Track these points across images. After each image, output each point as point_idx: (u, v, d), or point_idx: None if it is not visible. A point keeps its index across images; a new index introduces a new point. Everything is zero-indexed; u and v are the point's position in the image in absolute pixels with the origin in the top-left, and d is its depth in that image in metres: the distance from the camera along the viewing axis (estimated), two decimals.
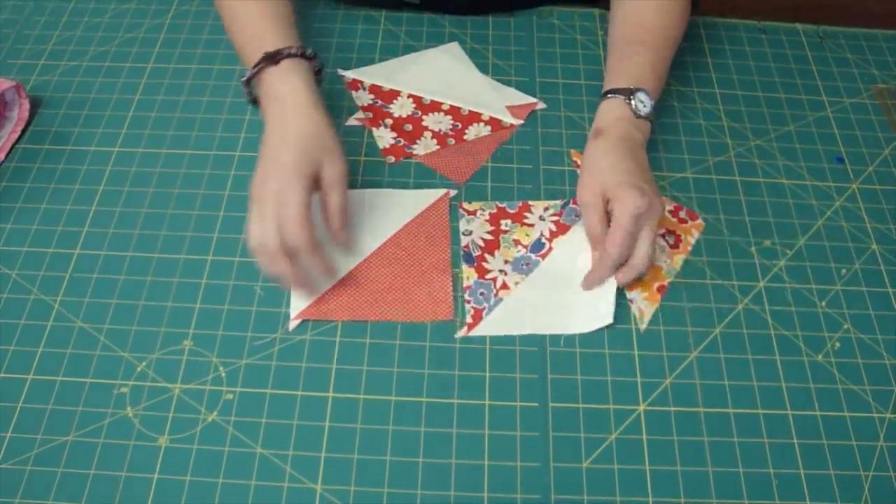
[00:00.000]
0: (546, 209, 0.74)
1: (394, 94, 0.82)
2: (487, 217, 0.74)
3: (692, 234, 0.74)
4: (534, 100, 0.83)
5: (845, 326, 0.70)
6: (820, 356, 0.68)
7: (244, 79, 0.72)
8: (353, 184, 0.76)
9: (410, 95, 0.82)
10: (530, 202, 0.75)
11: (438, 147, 0.78)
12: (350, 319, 0.68)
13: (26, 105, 0.79)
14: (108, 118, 0.81)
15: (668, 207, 0.76)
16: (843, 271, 0.73)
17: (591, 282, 0.69)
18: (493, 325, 0.68)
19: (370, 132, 0.80)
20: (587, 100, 0.84)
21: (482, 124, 0.80)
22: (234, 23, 0.76)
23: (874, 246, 0.75)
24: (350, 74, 0.84)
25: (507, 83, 0.85)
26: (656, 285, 0.71)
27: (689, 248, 0.73)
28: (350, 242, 0.70)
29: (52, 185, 0.75)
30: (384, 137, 0.79)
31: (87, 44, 0.87)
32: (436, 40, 0.88)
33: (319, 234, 0.67)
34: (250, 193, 0.66)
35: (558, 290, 0.69)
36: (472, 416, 0.63)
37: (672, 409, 0.64)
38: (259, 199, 0.65)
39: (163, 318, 0.67)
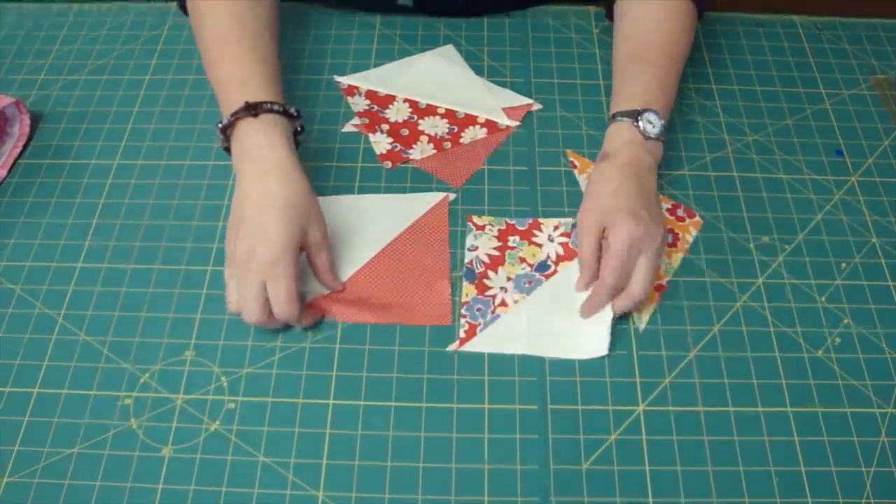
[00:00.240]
0: (555, 228, 0.74)
1: (389, 99, 0.83)
2: (496, 233, 0.73)
3: (690, 232, 0.74)
4: (529, 101, 0.83)
5: (845, 321, 0.70)
6: (820, 352, 0.68)
7: (220, 126, 0.69)
8: (350, 191, 0.76)
9: (406, 100, 0.83)
10: (540, 220, 0.75)
11: (435, 151, 0.79)
12: (348, 321, 0.68)
13: (27, 120, 0.80)
14: (107, 131, 0.82)
15: (666, 206, 0.76)
16: (843, 265, 0.73)
17: (588, 308, 0.68)
18: (487, 341, 0.68)
19: (367, 138, 0.80)
20: (582, 99, 0.84)
21: (478, 127, 0.81)
22: (215, 62, 0.73)
23: (874, 239, 0.75)
24: (346, 80, 0.84)
25: (503, 84, 0.85)
26: (654, 284, 0.71)
27: (687, 246, 0.73)
28: (341, 285, 0.70)
29: (53, 200, 0.76)
30: (381, 143, 0.79)
31: (86, 57, 0.88)
32: (431, 43, 0.89)
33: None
34: (229, 254, 0.66)
35: (557, 314, 0.69)
36: (472, 420, 0.64)
37: (671, 408, 0.65)
38: (243, 268, 0.64)
39: (164, 329, 0.68)
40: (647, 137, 0.70)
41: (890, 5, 0.95)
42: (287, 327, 0.68)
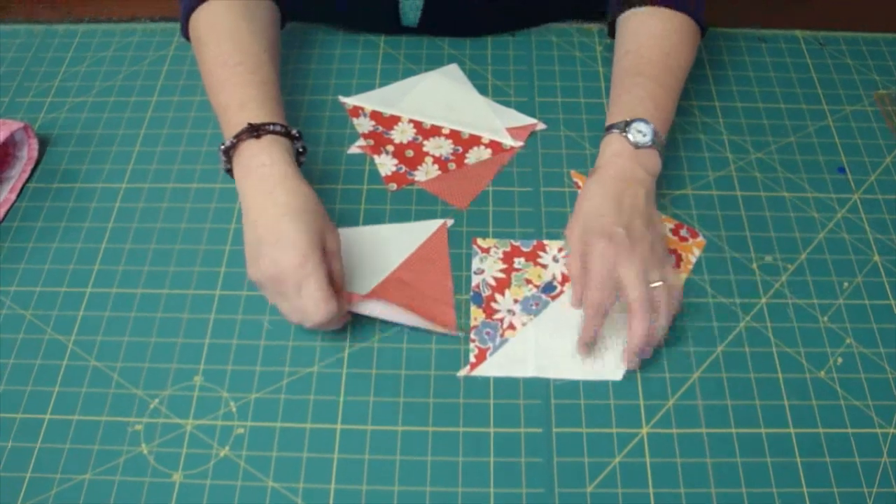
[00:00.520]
0: (560, 249, 0.74)
1: (394, 120, 0.83)
2: (501, 255, 0.74)
3: (693, 253, 0.75)
4: (533, 120, 0.83)
5: (847, 341, 0.70)
6: (822, 372, 0.68)
7: (223, 147, 0.70)
8: (355, 213, 0.77)
9: (411, 120, 0.83)
10: (545, 241, 0.75)
11: (440, 172, 0.79)
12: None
13: (35, 144, 0.80)
14: (114, 154, 0.82)
15: (670, 226, 0.76)
16: (845, 284, 0.74)
17: (584, 335, 0.68)
18: (497, 365, 0.68)
19: (372, 159, 0.81)
20: (586, 118, 0.84)
21: (483, 147, 0.81)
22: (216, 86, 0.74)
23: (876, 257, 0.75)
24: (351, 101, 0.85)
25: (507, 104, 0.85)
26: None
27: (691, 266, 0.74)
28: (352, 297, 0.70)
29: (62, 224, 0.77)
30: (386, 164, 0.80)
31: (93, 78, 0.89)
32: (435, 62, 0.89)
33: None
34: (257, 281, 0.65)
35: (566, 335, 0.69)
36: (478, 443, 0.64)
37: (675, 430, 0.65)
38: (276, 283, 0.64)
39: (173, 354, 0.69)
40: (636, 146, 0.70)
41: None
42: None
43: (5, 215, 0.77)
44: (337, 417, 0.66)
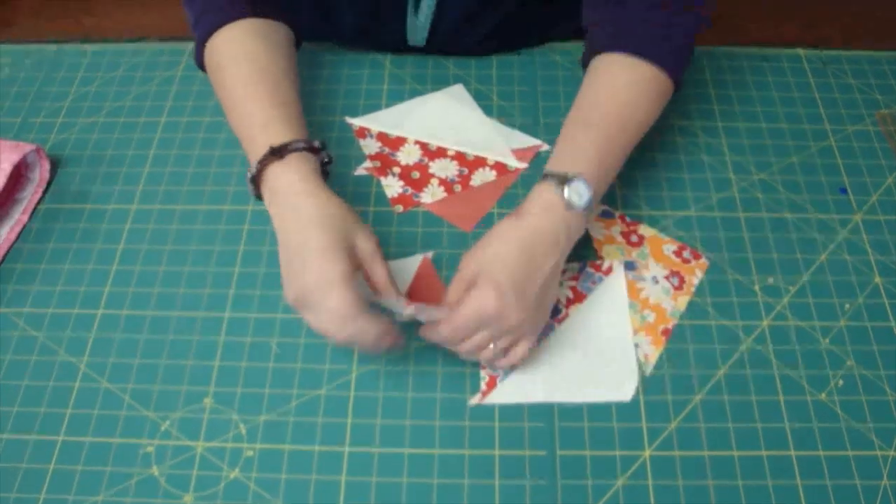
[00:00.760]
0: (563, 272, 0.75)
1: (400, 142, 0.84)
2: None
3: (696, 275, 0.76)
4: (538, 142, 0.84)
5: (848, 363, 0.71)
6: (823, 395, 0.69)
7: (249, 177, 0.69)
8: None
9: (417, 142, 0.84)
10: None
11: (445, 195, 0.80)
12: None
13: (46, 165, 0.81)
14: (124, 175, 0.83)
15: (673, 248, 0.77)
16: (847, 306, 0.74)
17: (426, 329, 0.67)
18: (507, 393, 0.69)
19: (378, 181, 0.82)
20: None
21: (488, 169, 0.82)
22: (235, 110, 0.74)
23: (877, 279, 0.76)
24: (357, 122, 0.86)
25: (512, 124, 0.86)
26: (661, 328, 0.72)
27: (693, 288, 0.75)
28: (405, 300, 0.67)
29: (73, 245, 0.78)
30: (392, 186, 0.81)
31: (103, 99, 0.90)
32: (441, 82, 0.90)
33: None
34: (287, 295, 0.64)
35: (573, 357, 0.71)
36: (483, 466, 0.65)
37: (677, 453, 0.66)
38: (312, 303, 0.62)
39: (184, 376, 0.70)
40: (568, 206, 0.66)
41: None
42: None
43: (18, 236, 0.79)
44: (345, 440, 0.67)
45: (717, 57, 0.93)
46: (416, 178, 0.82)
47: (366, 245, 0.65)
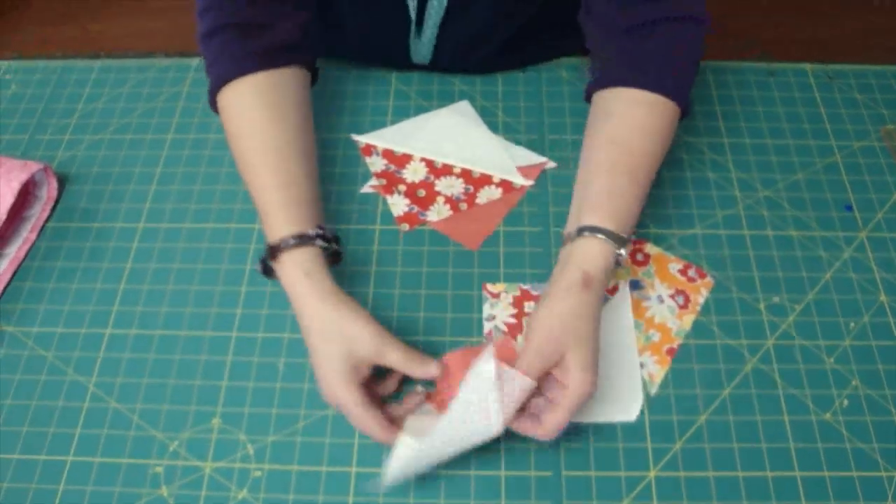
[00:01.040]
0: None
1: (406, 159, 0.84)
2: (511, 300, 0.75)
3: (701, 294, 0.76)
4: (543, 159, 0.84)
5: (853, 383, 0.71)
6: (828, 415, 0.69)
7: (260, 262, 0.71)
8: (368, 254, 0.78)
9: (423, 159, 0.84)
10: None
11: (451, 213, 0.81)
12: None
13: (54, 183, 0.82)
14: (132, 192, 0.84)
15: (678, 266, 0.77)
16: (852, 325, 0.74)
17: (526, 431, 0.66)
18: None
19: (384, 199, 0.82)
20: None
21: (493, 187, 0.82)
22: (246, 182, 0.73)
23: (883, 297, 0.76)
24: (363, 139, 0.86)
25: (518, 141, 0.86)
26: (666, 348, 0.73)
27: (699, 307, 0.75)
28: (441, 368, 0.67)
29: (81, 264, 0.79)
30: (398, 204, 0.81)
31: (110, 115, 0.90)
32: (446, 99, 0.90)
33: None
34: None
35: None
36: (490, 487, 0.66)
37: (682, 474, 0.66)
38: (333, 405, 0.67)
39: (192, 396, 0.71)
40: (617, 265, 0.69)
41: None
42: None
43: (27, 254, 0.79)
44: (352, 460, 0.67)
45: (722, 72, 0.93)
46: (421, 196, 0.82)
47: (364, 347, 0.65)
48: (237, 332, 0.74)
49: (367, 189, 0.83)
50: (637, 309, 0.75)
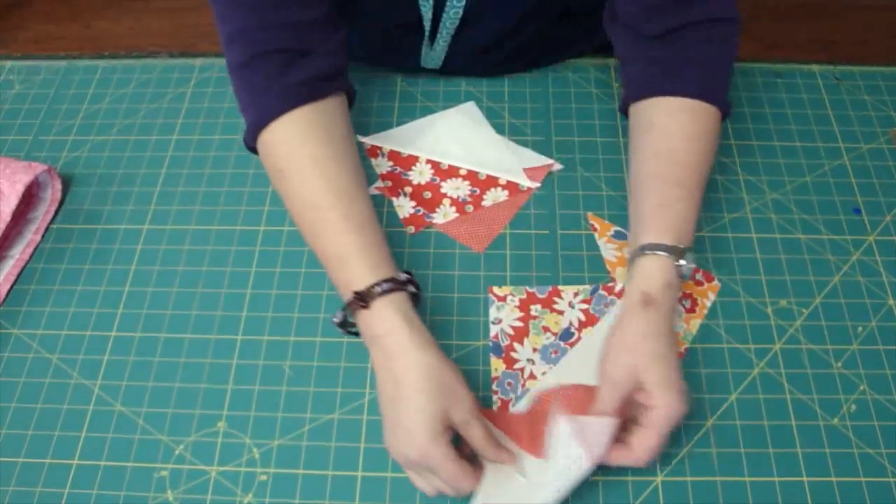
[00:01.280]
0: (575, 294, 0.75)
1: (412, 160, 0.84)
2: (517, 303, 0.75)
3: (708, 297, 0.75)
4: (550, 161, 0.84)
5: (861, 388, 0.71)
6: (836, 420, 0.69)
7: (336, 321, 0.68)
8: None
9: (429, 161, 0.84)
10: (560, 287, 0.76)
11: (457, 215, 0.80)
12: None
13: (58, 185, 0.82)
14: (136, 194, 0.83)
15: None
16: (860, 329, 0.74)
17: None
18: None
19: (390, 201, 0.82)
20: (603, 158, 0.85)
21: (500, 189, 0.82)
22: (310, 231, 0.69)
23: (891, 301, 0.76)
24: (369, 141, 0.85)
25: (524, 142, 0.86)
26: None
27: (705, 311, 0.75)
28: (513, 458, 0.64)
29: (86, 266, 0.79)
30: (404, 206, 0.81)
31: (114, 116, 0.90)
32: (453, 100, 0.90)
33: None
34: (391, 454, 0.63)
35: (585, 381, 0.69)
36: None
37: (689, 479, 0.66)
38: (411, 468, 0.63)
39: (197, 399, 0.70)
40: (681, 278, 0.67)
41: None
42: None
43: (31, 256, 0.79)
44: (358, 465, 0.67)
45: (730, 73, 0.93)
46: (427, 198, 0.81)
47: (459, 414, 0.62)
48: (242, 335, 0.74)
49: (372, 191, 0.82)
50: None
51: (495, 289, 0.76)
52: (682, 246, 0.67)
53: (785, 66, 0.94)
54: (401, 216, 0.80)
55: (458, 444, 0.63)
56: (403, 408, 0.61)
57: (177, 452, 0.68)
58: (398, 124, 0.88)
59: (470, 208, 0.81)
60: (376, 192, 0.82)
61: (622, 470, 0.66)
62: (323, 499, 0.65)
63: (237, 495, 0.66)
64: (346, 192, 0.69)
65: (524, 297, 0.75)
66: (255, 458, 0.68)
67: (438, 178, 0.83)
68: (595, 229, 0.79)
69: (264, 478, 0.67)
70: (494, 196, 0.82)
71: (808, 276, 0.77)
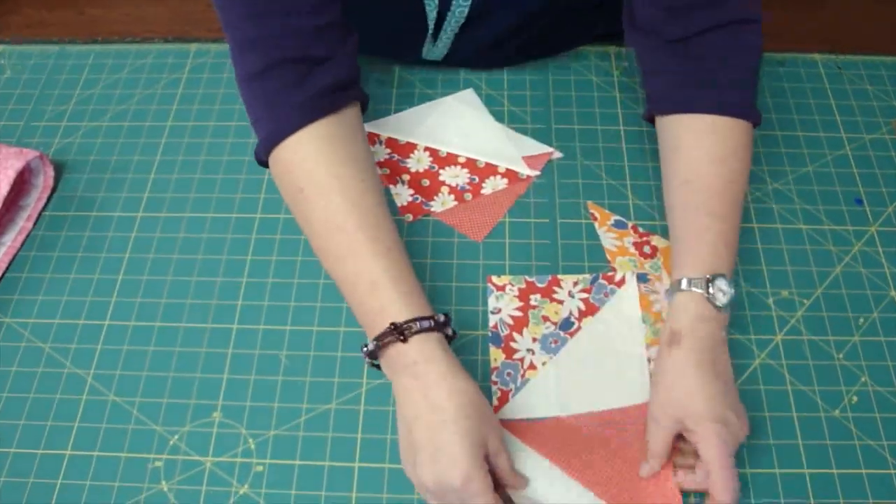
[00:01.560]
0: (575, 284, 0.74)
1: (410, 148, 0.83)
2: (517, 293, 0.74)
3: None
4: (549, 149, 0.83)
5: (863, 379, 0.70)
6: (837, 411, 0.69)
7: (366, 351, 0.64)
8: None
9: (427, 148, 0.83)
10: (559, 276, 0.75)
11: (456, 203, 0.79)
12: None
13: (50, 172, 0.80)
14: (130, 181, 0.82)
15: None
16: (861, 320, 0.74)
17: None
18: (520, 407, 0.68)
19: (388, 189, 0.80)
20: (603, 146, 0.84)
21: (499, 177, 0.81)
22: (336, 253, 0.66)
23: (892, 292, 0.75)
24: (366, 128, 0.84)
25: (524, 130, 0.85)
26: None
27: None
28: (525, 483, 0.63)
29: (79, 254, 0.77)
30: (402, 195, 0.80)
31: (107, 102, 0.89)
32: (451, 87, 0.89)
33: None
34: (417, 484, 0.61)
35: (586, 370, 0.70)
36: None
37: None
38: (441, 498, 0.59)
39: (192, 389, 0.70)
40: (717, 308, 0.65)
41: None
42: None
43: (23, 244, 0.78)
44: (355, 456, 0.66)
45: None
46: (426, 185, 0.81)
47: (494, 442, 0.61)
48: (238, 324, 0.73)
49: (379, 175, 0.81)
50: (643, 302, 0.74)
51: (494, 278, 0.75)
52: (709, 276, 0.65)
53: (787, 55, 0.93)
54: (398, 204, 0.79)
55: None
56: (447, 433, 0.58)
57: (171, 443, 0.67)
58: (396, 111, 0.87)
59: (469, 196, 0.80)
60: None
61: None
62: (319, 490, 0.65)
63: (232, 486, 0.65)
64: (370, 210, 0.67)
65: (523, 286, 0.74)
66: (250, 449, 0.67)
67: (437, 166, 0.82)
68: (595, 218, 0.79)
69: (260, 468, 0.66)
70: (493, 184, 0.81)
71: (810, 267, 0.77)
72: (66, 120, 0.87)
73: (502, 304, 0.73)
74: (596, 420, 0.67)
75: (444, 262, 0.76)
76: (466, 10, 0.79)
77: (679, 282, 0.66)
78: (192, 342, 0.72)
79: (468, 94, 0.87)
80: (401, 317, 0.62)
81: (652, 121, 0.77)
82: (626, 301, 0.74)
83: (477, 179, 0.81)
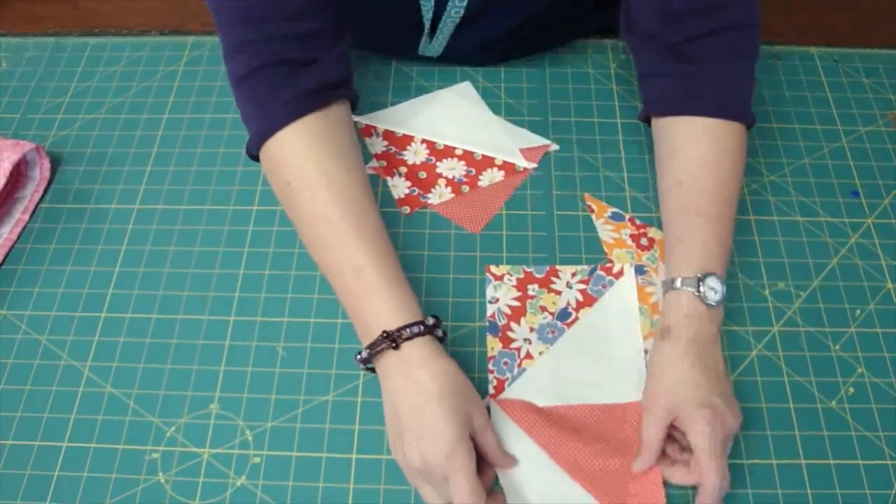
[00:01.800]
0: (573, 275, 0.74)
1: (407, 140, 0.83)
2: (515, 283, 0.74)
3: None
4: (546, 141, 0.83)
5: (859, 370, 0.70)
6: (834, 402, 0.69)
7: (360, 359, 0.65)
8: None
9: (424, 141, 0.83)
10: (558, 267, 0.75)
11: (453, 195, 0.79)
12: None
13: (47, 164, 0.80)
14: (127, 174, 0.82)
15: None
16: (858, 312, 0.74)
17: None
18: (515, 396, 0.68)
19: (384, 181, 0.80)
20: (600, 139, 0.84)
21: (496, 169, 0.81)
22: (321, 243, 0.68)
23: (889, 284, 0.75)
24: (363, 120, 0.84)
25: (521, 123, 0.85)
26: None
27: None
28: (514, 462, 0.65)
29: (76, 246, 0.77)
30: (399, 187, 0.80)
31: (104, 94, 0.88)
32: (448, 80, 0.88)
33: None
34: (402, 464, 0.62)
35: (583, 362, 0.70)
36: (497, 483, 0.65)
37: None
38: (425, 475, 0.60)
39: (189, 381, 0.69)
40: (708, 306, 0.66)
41: None
42: None
43: (19, 236, 0.77)
44: (352, 447, 0.66)
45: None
46: (423, 178, 0.80)
47: (479, 419, 0.62)
48: (235, 315, 0.73)
49: (366, 171, 0.81)
50: (641, 294, 0.74)
51: (493, 268, 0.75)
52: (700, 275, 0.66)
53: (784, 48, 0.93)
54: (395, 196, 0.79)
55: None
56: (432, 409, 0.60)
57: (168, 434, 0.67)
58: (393, 104, 0.87)
59: (466, 189, 0.80)
60: (370, 171, 0.81)
61: None
62: (317, 481, 0.65)
63: (230, 478, 0.65)
64: (355, 201, 0.68)
65: (522, 276, 0.74)
66: (248, 441, 0.67)
67: (434, 159, 0.82)
68: (592, 210, 0.79)
69: (257, 460, 0.66)
70: (490, 176, 0.81)
71: (807, 259, 0.77)
72: (62, 112, 0.87)
73: (500, 293, 0.73)
74: (591, 412, 0.68)
75: (442, 255, 0.76)
76: (462, 11, 0.79)
77: (672, 280, 0.68)
78: (189, 334, 0.72)
79: (465, 87, 0.87)
80: (392, 324, 0.63)
81: (648, 122, 0.77)
82: (624, 292, 0.74)
83: (474, 172, 0.81)
